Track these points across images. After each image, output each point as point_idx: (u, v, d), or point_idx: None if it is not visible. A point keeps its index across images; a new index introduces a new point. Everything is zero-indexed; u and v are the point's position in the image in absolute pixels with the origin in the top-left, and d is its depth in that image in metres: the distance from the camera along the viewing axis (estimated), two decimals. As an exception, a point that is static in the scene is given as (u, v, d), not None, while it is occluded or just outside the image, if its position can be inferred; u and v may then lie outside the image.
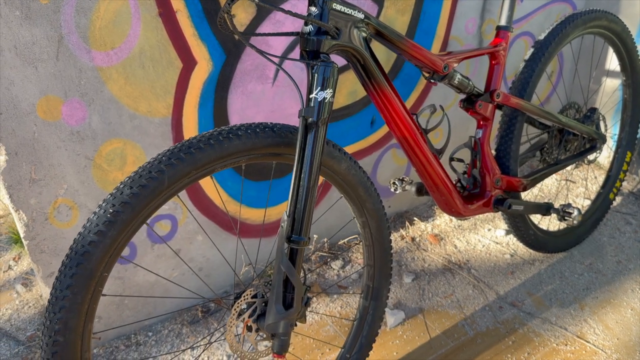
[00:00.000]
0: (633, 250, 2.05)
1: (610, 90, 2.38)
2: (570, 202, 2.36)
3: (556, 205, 1.76)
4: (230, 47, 1.52)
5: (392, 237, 2.15)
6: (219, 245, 1.77)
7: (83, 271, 0.93)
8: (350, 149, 1.94)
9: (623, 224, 2.21)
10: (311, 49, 1.10)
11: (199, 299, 1.70)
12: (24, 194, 1.36)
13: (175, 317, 1.77)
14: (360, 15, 1.16)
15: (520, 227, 1.83)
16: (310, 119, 1.08)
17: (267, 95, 1.65)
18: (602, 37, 1.87)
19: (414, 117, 1.38)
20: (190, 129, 1.55)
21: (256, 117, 1.66)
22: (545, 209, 1.73)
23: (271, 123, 1.13)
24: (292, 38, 1.62)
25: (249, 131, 1.08)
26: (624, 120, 2.11)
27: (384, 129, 2.00)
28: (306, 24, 1.11)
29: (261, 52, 1.08)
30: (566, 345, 1.65)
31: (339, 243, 2.07)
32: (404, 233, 2.17)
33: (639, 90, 2.06)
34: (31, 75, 1.26)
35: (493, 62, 1.55)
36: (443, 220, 2.25)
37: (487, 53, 1.52)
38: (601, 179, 2.31)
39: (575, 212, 1.68)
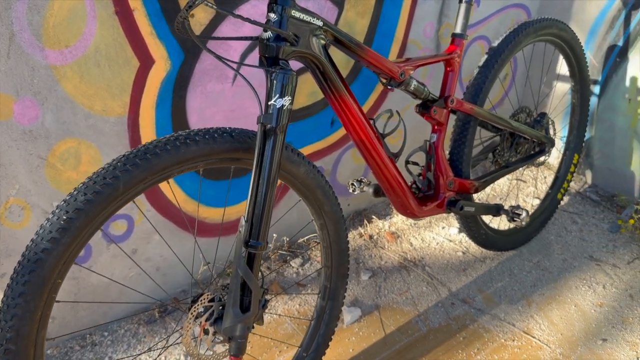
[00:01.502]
0: (578, 249, 2.16)
1: (560, 94, 2.48)
2: (521, 201, 2.45)
3: (506, 207, 1.82)
4: (189, 47, 1.51)
5: (350, 235, 2.19)
6: (177, 244, 1.76)
7: (36, 279, 0.92)
8: (310, 149, 1.96)
9: (570, 222, 2.32)
10: (270, 55, 1.11)
11: (155, 301, 1.69)
12: (-28, 194, 1.32)
13: (132, 317, 1.76)
14: (319, 23, 1.18)
15: (472, 227, 1.89)
16: (269, 125, 1.09)
17: (227, 95, 1.65)
18: (553, 44, 1.94)
19: (372, 121, 1.41)
20: (147, 129, 1.54)
21: (215, 117, 1.65)
22: (496, 210, 1.80)
23: (229, 128, 1.14)
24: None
25: (206, 136, 1.09)
26: (572, 123, 2.21)
27: (344, 130, 2.02)
28: (265, 31, 1.12)
29: (219, 58, 1.09)
30: (513, 340, 1.73)
31: (299, 241, 2.09)
32: (362, 231, 2.21)
33: (586, 96, 2.16)
34: (-20, 73, 1.22)
35: (448, 68, 1.60)
36: (400, 219, 2.31)
37: (442, 60, 1.56)
38: (550, 179, 2.41)
39: (524, 214, 1.75)
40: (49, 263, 0.93)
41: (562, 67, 2.41)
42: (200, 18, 1.49)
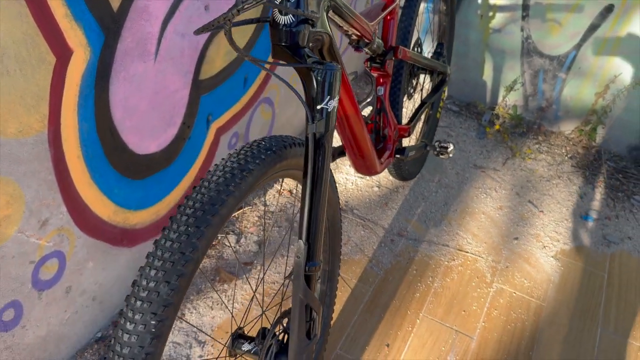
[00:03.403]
0: (462, 160, 2.41)
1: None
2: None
3: (429, 143, 1.91)
4: (109, 24, 1.14)
5: (269, 194, 2.07)
6: (111, 262, 1.45)
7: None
8: (228, 115, 1.73)
9: (446, 136, 2.55)
10: (290, 42, 0.91)
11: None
12: None
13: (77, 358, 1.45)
14: (328, -7, 0.99)
15: (400, 165, 1.95)
16: (320, 132, 0.92)
17: (149, 75, 1.32)
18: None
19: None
20: (70, 140, 1.16)
21: (140, 105, 1.32)
22: (425, 147, 1.88)
23: (265, 142, 0.93)
24: (170, 2, 1.29)
25: (257, 161, 0.87)
26: (444, 44, 2.34)
27: (254, 87, 1.82)
28: (282, 13, 0.90)
29: (257, 62, 0.85)
30: (454, 260, 1.91)
31: (225, 217, 1.90)
32: (279, 188, 2.10)
33: (454, 17, 2.29)
34: None
35: (389, 17, 1.52)
36: (305, 164, 2.25)
37: (390, 10, 1.48)
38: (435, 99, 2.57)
39: (451, 147, 1.86)
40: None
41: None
42: (118, -16, 1.12)
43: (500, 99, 2.62)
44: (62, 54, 1.06)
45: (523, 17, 2.38)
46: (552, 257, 1.95)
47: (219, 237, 1.84)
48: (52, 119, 1.10)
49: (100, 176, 1.28)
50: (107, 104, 1.23)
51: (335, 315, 1.65)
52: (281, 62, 0.91)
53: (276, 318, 1.06)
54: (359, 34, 1.24)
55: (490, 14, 2.44)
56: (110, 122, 1.25)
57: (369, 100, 1.58)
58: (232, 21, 0.75)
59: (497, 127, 2.52)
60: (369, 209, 2.08)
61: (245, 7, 0.74)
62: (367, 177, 2.23)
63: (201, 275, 1.71)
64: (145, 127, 1.37)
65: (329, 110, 0.92)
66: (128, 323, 0.69)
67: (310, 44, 0.94)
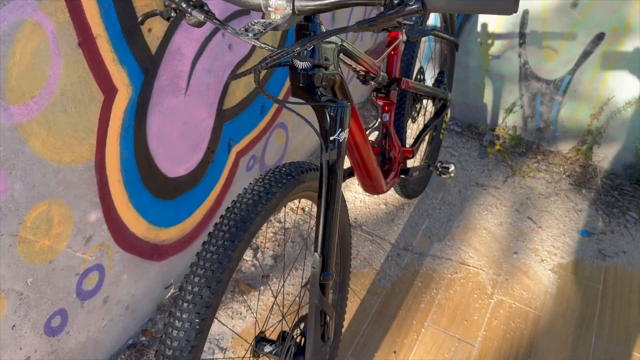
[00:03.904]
0: (465, 179, 2.55)
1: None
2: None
3: (432, 163, 2.06)
4: (147, 66, 1.31)
5: (283, 211, 2.22)
6: (143, 275, 1.61)
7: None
8: (246, 140, 1.89)
9: (449, 156, 2.70)
10: (306, 84, 1.07)
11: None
12: (-60, 307, 1.02)
13: (110, 366, 1.59)
14: (339, 41, 1.15)
15: (405, 185, 2.10)
16: (333, 160, 1.07)
17: (180, 108, 1.49)
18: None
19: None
20: (113, 167, 1.33)
21: (172, 134, 1.49)
22: (427, 168, 2.03)
23: (285, 168, 1.09)
24: (200, 42, 1.46)
25: (279, 185, 1.03)
26: (445, 71, 2.50)
27: (270, 114, 1.98)
28: (300, 59, 1.06)
29: (279, 101, 1.01)
30: (457, 273, 2.04)
31: (244, 233, 2.05)
32: (293, 206, 2.26)
33: (454, 45, 2.45)
34: (-62, 158, 0.91)
35: (392, 52, 1.69)
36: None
37: (393, 46, 1.64)
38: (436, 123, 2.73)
39: (452, 167, 2.01)
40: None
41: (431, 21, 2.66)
42: (156, 31, 1.29)
43: (500, 120, 2.77)
44: (109, 92, 1.23)
45: (520, 44, 2.53)
46: (550, 270, 2.08)
47: (238, 252, 1.98)
48: (99, 149, 1.26)
49: (137, 198, 1.44)
50: (145, 134, 1.39)
51: (345, 324, 1.79)
52: (300, 100, 1.07)
53: (294, 322, 1.20)
54: (365, 70, 1.40)
55: (489, 41, 2.60)
56: (146, 150, 1.42)
57: (375, 126, 1.74)
58: (260, 71, 0.91)
59: (497, 147, 2.67)
60: (376, 225, 2.22)
61: (272, 62, 0.90)
62: (375, 196, 2.38)
63: (222, 287, 1.86)
64: (176, 153, 1.53)
65: (340, 140, 1.07)
66: (176, 321, 0.84)
67: (324, 83, 1.10)
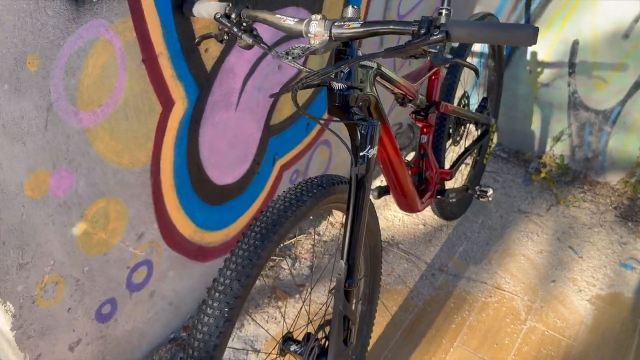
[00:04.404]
0: (507, 204, 2.55)
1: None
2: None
3: (471, 186, 2.09)
4: (203, 82, 1.44)
5: (322, 226, 2.31)
6: (187, 274, 1.73)
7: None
8: (291, 154, 2.00)
9: (492, 181, 2.71)
10: (342, 103, 1.16)
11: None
12: (11, 284, 1.17)
13: (152, 356, 1.71)
14: (375, 65, 1.24)
15: (441, 205, 2.15)
16: (361, 174, 1.15)
17: (231, 122, 1.61)
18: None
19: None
20: (167, 171, 1.46)
21: (222, 145, 1.61)
22: (466, 190, 2.06)
23: (317, 179, 1.18)
24: (252, 62, 1.59)
25: (309, 194, 1.12)
26: (491, 98, 2.54)
27: (314, 131, 2.09)
28: (337, 81, 1.15)
29: (315, 118, 1.10)
30: (491, 297, 2.05)
31: (285, 243, 2.16)
32: (332, 220, 2.34)
33: (502, 73, 2.49)
34: (19, 153, 1.07)
35: (433, 77, 1.76)
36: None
37: (432, 71, 1.71)
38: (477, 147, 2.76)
39: (491, 191, 2.03)
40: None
41: (479, 48, 2.71)
42: (212, 51, 1.43)
43: (547, 148, 2.76)
44: (167, 104, 1.36)
45: (570, 74, 2.53)
46: (587, 300, 2.05)
47: (277, 260, 2.09)
48: (155, 154, 1.40)
49: (187, 201, 1.57)
50: (197, 143, 1.52)
51: (375, 336, 1.84)
52: (334, 118, 1.16)
53: (319, 325, 1.27)
54: (403, 93, 1.48)
55: (539, 69, 2.61)
56: (198, 158, 1.55)
57: (408, 146, 1.81)
58: (297, 90, 1.01)
59: (543, 174, 2.66)
60: (413, 245, 2.27)
61: (308, 82, 0.99)
62: (414, 215, 2.43)
63: (259, 292, 1.96)
64: (225, 163, 1.66)
65: (369, 156, 1.15)
66: (208, 308, 0.94)
67: (360, 104, 1.19)
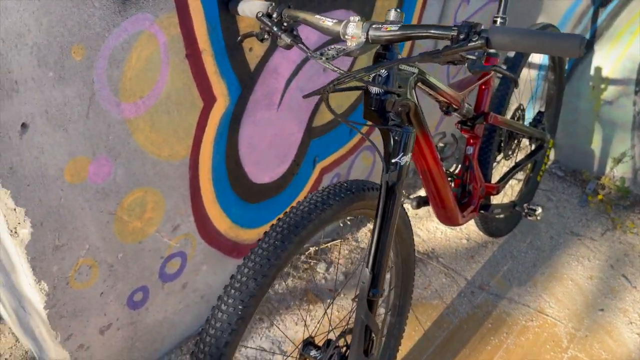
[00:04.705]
0: (559, 225, 2.43)
1: (534, 85, 2.69)
2: (507, 186, 2.67)
3: (520, 203, 2.00)
4: (246, 80, 1.46)
5: (361, 232, 2.28)
6: (221, 269, 1.75)
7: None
8: (332, 158, 1.98)
9: (546, 200, 2.59)
10: (378, 108, 1.13)
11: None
12: (46, 264, 1.22)
13: (181, 347, 1.74)
14: (416, 70, 1.21)
15: (486, 221, 2.07)
16: (393, 182, 1.12)
17: (272, 121, 1.62)
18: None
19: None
20: (205, 166, 1.48)
21: (261, 144, 1.62)
22: (513, 207, 1.98)
23: (346, 184, 1.16)
24: (296, 63, 1.59)
25: (336, 198, 1.10)
26: (549, 112, 2.43)
27: (358, 136, 2.07)
28: (373, 85, 1.13)
29: (345, 120, 1.08)
30: (532, 321, 1.96)
31: (321, 246, 2.15)
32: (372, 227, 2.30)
33: (562, 87, 2.37)
34: (61, 139, 1.11)
35: (483, 87, 1.69)
36: (400, 210, 2.43)
37: (483, 81, 1.65)
38: (530, 163, 2.65)
39: (539, 210, 1.94)
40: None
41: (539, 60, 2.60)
42: (256, 50, 1.44)
43: (607, 169, 2.61)
44: (208, 100, 1.38)
45: (636, 92, 2.38)
46: (638, 334, 1.92)
47: (312, 263, 2.08)
48: (194, 149, 1.42)
49: (223, 197, 1.59)
50: (237, 141, 1.54)
51: (405, 350, 1.79)
52: (368, 123, 1.14)
53: (340, 333, 1.25)
54: (447, 101, 1.43)
55: (602, 86, 2.47)
56: (236, 155, 1.56)
57: (454, 157, 1.75)
58: (329, 92, 1.00)
59: (600, 197, 2.51)
60: (454, 259, 2.20)
61: (339, 84, 0.98)
62: (457, 229, 2.35)
63: (291, 294, 1.95)
64: (263, 162, 1.67)
65: (401, 164, 1.12)
66: (223, 305, 0.94)
67: (399, 109, 1.16)
